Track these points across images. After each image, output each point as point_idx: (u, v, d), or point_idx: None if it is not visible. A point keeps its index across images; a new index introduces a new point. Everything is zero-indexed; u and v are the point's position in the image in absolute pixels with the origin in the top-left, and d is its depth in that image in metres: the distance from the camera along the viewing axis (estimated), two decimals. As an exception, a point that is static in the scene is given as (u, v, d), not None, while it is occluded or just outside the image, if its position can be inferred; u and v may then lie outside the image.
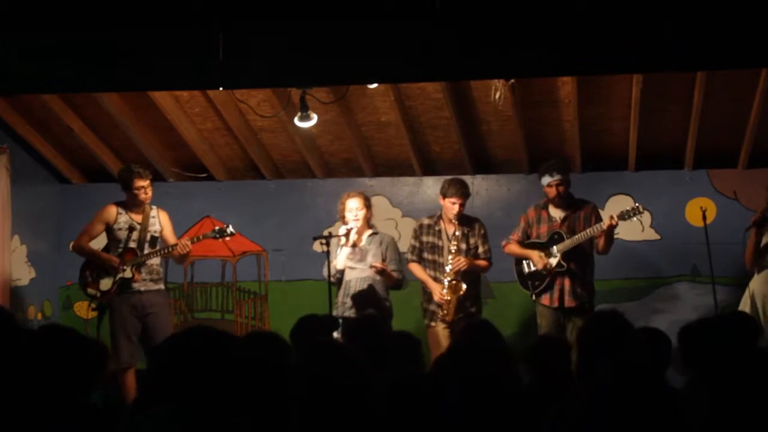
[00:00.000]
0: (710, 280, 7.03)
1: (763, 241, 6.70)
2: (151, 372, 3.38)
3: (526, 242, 7.04)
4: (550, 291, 6.87)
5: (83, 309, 8.43)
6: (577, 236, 6.79)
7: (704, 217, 7.17)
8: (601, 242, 6.84)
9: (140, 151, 8.29)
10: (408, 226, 8.13)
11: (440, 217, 7.03)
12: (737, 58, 5.16)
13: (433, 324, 6.92)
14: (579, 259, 6.85)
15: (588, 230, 6.78)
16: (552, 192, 6.88)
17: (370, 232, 6.89)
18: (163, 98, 7.56)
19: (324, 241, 6.70)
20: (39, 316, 8.52)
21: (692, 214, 7.88)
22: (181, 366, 2.90)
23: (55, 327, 3.55)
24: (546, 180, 6.87)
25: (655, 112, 7.47)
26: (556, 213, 6.97)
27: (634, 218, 6.80)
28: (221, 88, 6.82)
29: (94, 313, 6.93)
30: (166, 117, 7.80)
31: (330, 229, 7.23)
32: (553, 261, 6.83)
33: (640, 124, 7.46)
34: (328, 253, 6.60)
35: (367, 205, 6.86)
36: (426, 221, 7.10)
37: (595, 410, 2.61)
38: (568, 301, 6.81)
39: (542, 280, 6.89)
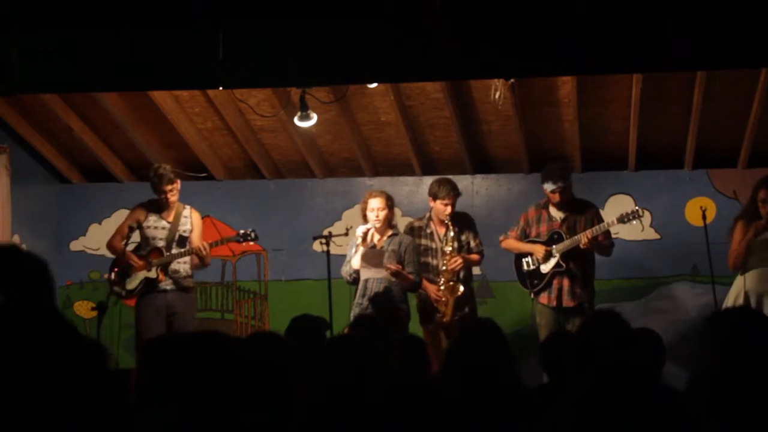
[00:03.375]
0: (710, 279, 7.00)
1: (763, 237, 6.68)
2: (149, 372, 3.38)
3: (525, 240, 7.04)
4: (548, 290, 6.85)
5: (83, 308, 8.42)
6: (575, 237, 6.79)
7: (704, 217, 7.14)
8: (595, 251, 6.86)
9: (140, 151, 8.29)
10: (408, 226, 8.13)
11: (430, 218, 7.01)
12: (737, 58, 5.17)
13: (430, 326, 6.89)
14: (579, 260, 6.83)
15: (577, 236, 6.76)
16: (555, 198, 6.87)
17: (390, 233, 6.77)
18: (163, 98, 7.55)
19: (324, 240, 6.69)
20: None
21: (692, 213, 7.88)
22: (180, 367, 2.90)
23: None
24: (549, 186, 6.84)
25: (655, 112, 7.47)
26: (557, 213, 6.96)
27: (634, 222, 6.79)
28: (221, 88, 6.82)
29: (94, 313, 6.91)
30: (166, 117, 7.79)
31: (330, 229, 7.22)
32: (553, 261, 6.83)
33: (640, 124, 7.46)
34: (327, 252, 6.59)
35: (389, 205, 6.73)
36: (416, 223, 7.07)
37: (588, 411, 2.61)
38: (566, 301, 6.80)
39: (541, 278, 6.89)
